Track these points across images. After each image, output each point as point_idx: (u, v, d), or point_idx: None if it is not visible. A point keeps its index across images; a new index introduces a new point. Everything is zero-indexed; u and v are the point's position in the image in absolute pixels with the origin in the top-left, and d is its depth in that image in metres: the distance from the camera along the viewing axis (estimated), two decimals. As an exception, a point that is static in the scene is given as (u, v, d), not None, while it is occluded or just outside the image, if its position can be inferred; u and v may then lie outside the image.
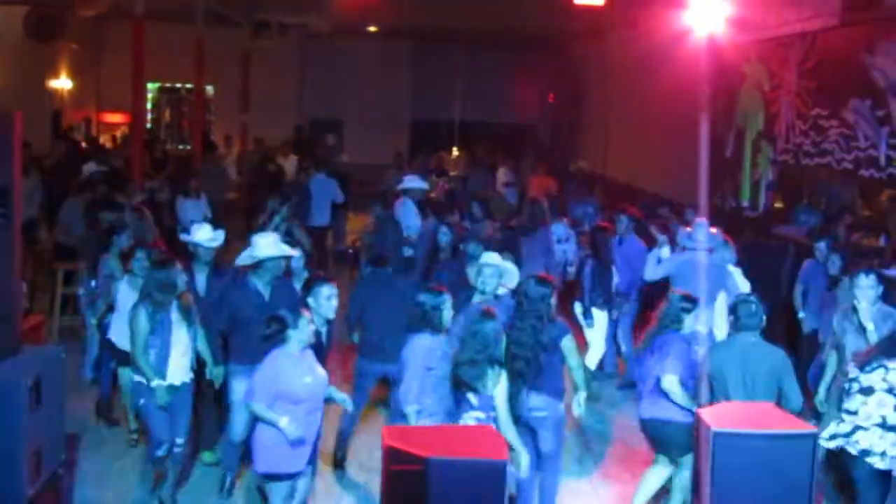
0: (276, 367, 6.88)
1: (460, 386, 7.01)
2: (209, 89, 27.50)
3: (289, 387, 6.83)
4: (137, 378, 7.81)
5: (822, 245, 10.72)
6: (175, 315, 7.84)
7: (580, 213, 16.22)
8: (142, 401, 7.83)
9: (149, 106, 28.03)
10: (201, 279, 8.96)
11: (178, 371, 7.87)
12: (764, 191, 16.07)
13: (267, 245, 8.33)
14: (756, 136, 16.30)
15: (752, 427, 5.80)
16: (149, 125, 27.47)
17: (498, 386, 6.98)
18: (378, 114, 29.19)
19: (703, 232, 10.61)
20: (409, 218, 13.74)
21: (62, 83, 25.05)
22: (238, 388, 8.01)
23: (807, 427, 5.95)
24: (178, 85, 29.09)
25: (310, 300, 7.73)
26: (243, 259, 8.40)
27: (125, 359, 8.40)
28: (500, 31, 25.60)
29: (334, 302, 7.80)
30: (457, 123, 26.89)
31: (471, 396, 6.99)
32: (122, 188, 15.07)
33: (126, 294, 8.89)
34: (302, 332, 6.95)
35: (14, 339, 6.46)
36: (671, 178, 18.03)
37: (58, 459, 6.81)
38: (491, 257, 8.62)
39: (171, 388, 7.80)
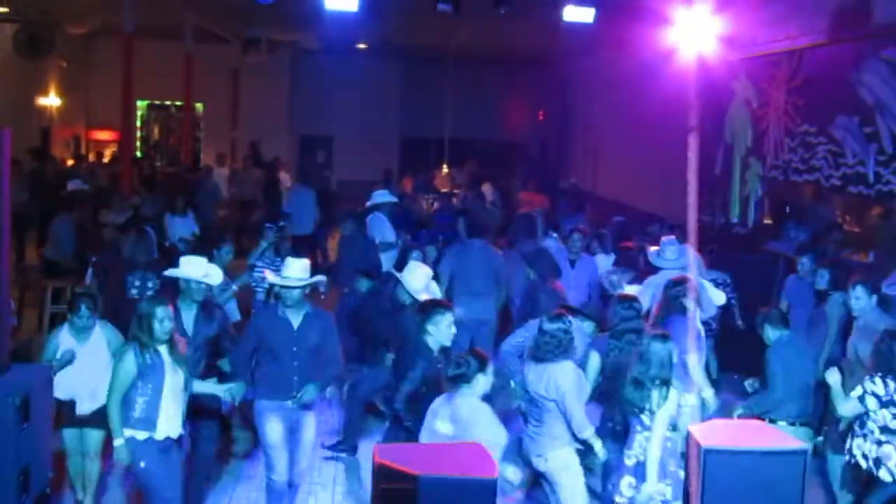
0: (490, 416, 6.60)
1: (627, 406, 7.00)
2: (198, 107, 27.51)
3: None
4: (129, 433, 6.93)
5: (805, 260, 10.73)
6: (167, 359, 7.01)
7: (570, 229, 16.21)
8: (142, 463, 6.96)
9: (138, 123, 28.03)
10: (188, 318, 8.05)
11: (170, 423, 7.03)
12: (753, 207, 16.12)
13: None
14: (745, 153, 16.35)
15: (742, 444, 5.79)
16: (138, 143, 27.50)
17: (664, 407, 6.93)
18: (368, 131, 29.23)
19: (671, 250, 10.59)
20: (383, 232, 13.62)
21: (51, 100, 25.03)
22: (272, 427, 7.59)
23: (797, 443, 5.94)
24: (168, 102, 29.08)
25: (429, 327, 7.39)
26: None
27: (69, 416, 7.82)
28: (489, 49, 25.68)
29: (454, 330, 7.51)
30: (447, 141, 26.90)
31: (644, 417, 6.97)
32: (107, 205, 15.06)
33: (66, 341, 7.86)
34: (489, 378, 6.67)
35: (2, 358, 6.42)
36: (660, 195, 18.07)
37: (45, 478, 6.76)
38: None
39: (153, 443, 6.97)
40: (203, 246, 11.45)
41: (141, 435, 6.92)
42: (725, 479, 5.65)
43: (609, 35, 19.74)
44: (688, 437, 5.93)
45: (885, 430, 7.19)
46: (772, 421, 7.80)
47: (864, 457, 7.28)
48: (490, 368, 6.70)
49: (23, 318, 13.10)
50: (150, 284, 10.24)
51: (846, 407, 7.38)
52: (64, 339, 7.84)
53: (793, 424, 7.85)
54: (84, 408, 7.85)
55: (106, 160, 25.00)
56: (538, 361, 7.22)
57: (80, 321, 7.82)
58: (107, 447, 7.60)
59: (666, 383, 6.95)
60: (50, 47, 22.28)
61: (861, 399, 7.27)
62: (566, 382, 7.07)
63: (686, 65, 15.10)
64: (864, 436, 7.28)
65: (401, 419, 7.27)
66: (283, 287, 7.69)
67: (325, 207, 17.93)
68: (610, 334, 8.16)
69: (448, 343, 7.48)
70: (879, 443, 7.20)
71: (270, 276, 8.03)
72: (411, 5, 17.08)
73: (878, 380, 7.23)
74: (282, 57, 27.94)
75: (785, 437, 6.04)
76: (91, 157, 25.56)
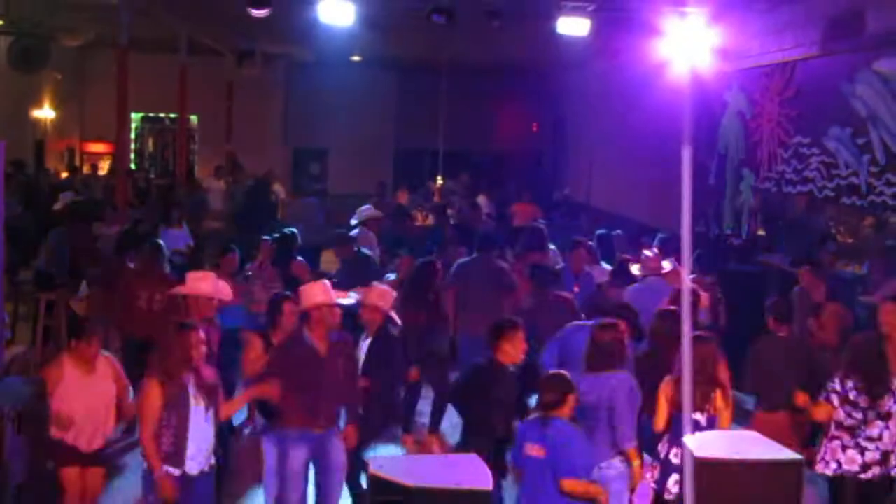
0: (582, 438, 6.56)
1: (678, 406, 6.94)
2: (193, 119, 27.51)
3: None
4: (146, 465, 6.65)
5: (802, 273, 10.77)
6: (192, 388, 6.69)
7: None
8: (150, 498, 6.69)
9: (132, 136, 28.00)
10: None
11: (199, 457, 6.72)
12: (747, 218, 16.14)
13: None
14: (738, 164, 16.38)
15: (737, 455, 5.78)
16: (132, 155, 27.47)
17: (726, 405, 7.10)
18: (362, 143, 29.20)
19: (651, 260, 10.66)
20: (370, 249, 13.35)
21: (45, 113, 25.00)
22: (297, 455, 7.42)
23: (792, 455, 5.93)
24: (162, 115, 29.06)
25: (506, 345, 7.20)
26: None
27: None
28: (484, 61, 25.71)
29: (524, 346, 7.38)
30: (441, 152, 26.90)
31: (698, 416, 7.02)
32: (102, 218, 15.05)
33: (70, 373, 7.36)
34: (576, 397, 6.57)
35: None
36: (654, 206, 18.10)
37: (39, 491, 6.75)
38: None
39: (186, 478, 6.66)
40: (196, 258, 11.48)
41: (173, 472, 6.60)
42: (720, 491, 5.65)
43: (603, 47, 19.80)
44: (682, 448, 5.93)
45: (838, 425, 7.47)
46: (766, 411, 8.31)
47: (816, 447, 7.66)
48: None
49: (16, 331, 13.10)
50: (157, 297, 10.24)
51: (820, 412, 7.59)
52: (69, 369, 7.17)
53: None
54: (94, 445, 7.29)
55: (102, 172, 25.00)
56: (592, 371, 7.19)
57: (87, 350, 7.26)
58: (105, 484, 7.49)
59: (720, 384, 7.14)
60: (44, 60, 22.26)
61: (828, 398, 7.52)
62: (621, 392, 7.08)
63: (679, 76, 15.11)
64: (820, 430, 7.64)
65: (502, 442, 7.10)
66: (329, 307, 7.44)
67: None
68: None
69: (520, 361, 7.37)
70: (831, 438, 7.51)
71: (313, 301, 7.45)
72: (406, 17, 17.10)
73: (837, 379, 7.50)
74: (276, 69, 27.94)
75: (780, 449, 6.03)
76: (86, 170, 25.56)
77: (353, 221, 14.06)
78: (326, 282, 7.69)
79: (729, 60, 15.65)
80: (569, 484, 6.29)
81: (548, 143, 30.47)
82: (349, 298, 8.55)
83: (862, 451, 7.41)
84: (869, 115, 12.45)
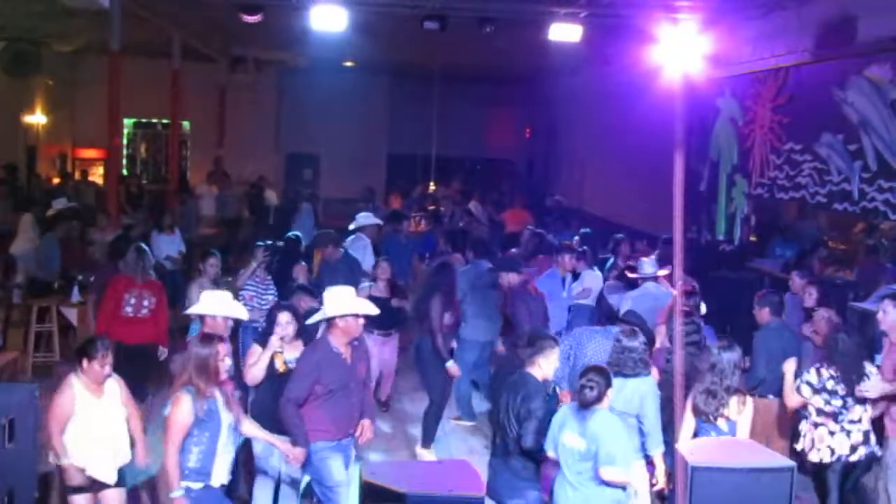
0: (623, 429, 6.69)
1: (700, 415, 7.18)
2: (185, 124, 27.50)
3: None
4: (184, 484, 6.32)
5: (796, 276, 10.79)
6: (221, 404, 6.49)
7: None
8: None
9: (124, 141, 27.99)
10: None
11: (222, 472, 6.51)
12: (739, 224, 16.17)
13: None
14: (730, 170, 16.41)
15: (729, 461, 5.79)
16: (124, 160, 27.46)
17: (745, 412, 7.20)
18: (355, 148, 29.21)
19: (647, 265, 10.69)
20: (364, 257, 13.10)
21: (37, 118, 24.98)
22: (338, 466, 7.19)
23: (784, 461, 5.94)
24: (154, 120, 29.05)
25: (541, 360, 7.20)
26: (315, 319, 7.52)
27: None
28: (476, 67, 25.74)
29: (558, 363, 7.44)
30: (433, 158, 26.93)
31: (720, 423, 7.15)
32: (94, 224, 15.02)
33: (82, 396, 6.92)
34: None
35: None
36: (647, 212, 18.11)
37: (31, 499, 6.73)
38: None
39: (208, 489, 6.45)
40: (189, 264, 11.46)
41: (196, 485, 6.34)
42: (713, 497, 5.66)
43: (595, 53, 19.84)
44: (675, 454, 5.94)
45: (820, 412, 7.75)
46: (761, 396, 8.55)
47: (802, 437, 7.88)
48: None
49: (7, 338, 13.06)
50: (145, 303, 10.21)
51: (791, 399, 7.93)
52: (79, 392, 6.77)
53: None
54: (107, 471, 6.90)
55: (94, 178, 24.96)
56: (618, 376, 7.26)
57: (99, 372, 6.86)
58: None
59: (738, 390, 7.28)
60: (36, 65, 22.26)
61: (798, 389, 7.83)
62: (650, 397, 7.29)
63: (672, 82, 15.15)
64: (805, 418, 7.88)
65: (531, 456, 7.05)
66: (355, 316, 7.23)
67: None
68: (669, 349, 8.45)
69: (551, 377, 7.41)
70: (816, 425, 7.78)
71: (339, 309, 7.22)
72: (398, 23, 17.12)
73: (812, 370, 7.84)
74: (268, 75, 27.97)
75: (772, 455, 6.04)
76: (77, 176, 25.52)
77: (351, 227, 13.96)
78: (352, 289, 7.49)
79: (721, 67, 15.68)
80: (609, 472, 6.38)
81: (540, 149, 30.50)
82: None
83: (848, 433, 7.74)
84: (861, 121, 12.48)
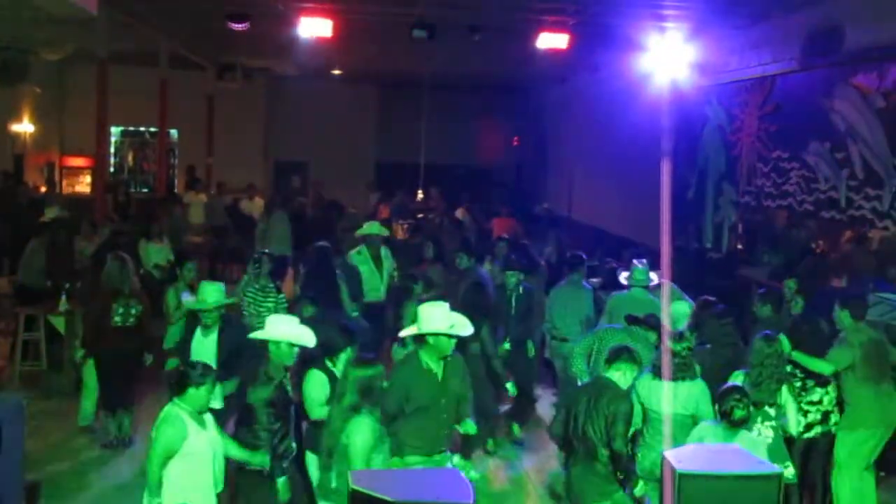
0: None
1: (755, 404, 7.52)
2: (173, 132, 27.46)
3: None
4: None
5: (790, 284, 10.82)
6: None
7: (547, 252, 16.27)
8: None
9: (112, 149, 27.93)
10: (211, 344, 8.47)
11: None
12: (727, 232, 16.20)
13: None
14: (718, 178, 16.46)
15: (717, 468, 5.79)
16: (112, 169, 27.43)
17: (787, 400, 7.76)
18: (343, 156, 29.22)
19: (640, 272, 10.72)
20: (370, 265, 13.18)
21: (25, 127, 24.90)
22: None
23: (771, 468, 5.95)
24: (142, 128, 28.99)
25: (614, 368, 7.30)
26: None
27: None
28: (465, 75, 25.78)
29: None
30: (422, 166, 26.93)
31: (769, 409, 7.61)
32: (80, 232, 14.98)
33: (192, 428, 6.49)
34: None
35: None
36: (635, 220, 18.15)
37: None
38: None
39: None
40: (175, 272, 11.41)
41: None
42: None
43: (583, 62, 19.88)
44: (662, 461, 5.94)
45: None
46: None
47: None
48: None
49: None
50: (133, 311, 10.17)
51: None
52: (189, 424, 6.32)
53: None
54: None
55: (81, 187, 24.93)
56: (671, 379, 7.52)
57: (206, 398, 6.48)
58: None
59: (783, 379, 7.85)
60: (23, 74, 22.19)
61: None
62: (704, 398, 7.50)
63: (659, 91, 15.23)
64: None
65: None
66: (447, 336, 7.01)
67: (302, 232, 17.89)
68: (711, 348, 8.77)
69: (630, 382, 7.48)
70: None
71: (431, 326, 6.99)
72: (386, 31, 17.13)
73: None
74: (256, 83, 27.95)
75: (760, 462, 6.05)
76: (65, 186, 25.51)
77: (357, 236, 13.89)
78: (446, 305, 7.22)
79: (708, 75, 15.74)
80: None
81: (528, 158, 30.54)
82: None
83: (805, 413, 8.31)
84: (847, 129, 12.54)
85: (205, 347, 8.58)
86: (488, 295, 10.48)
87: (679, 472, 5.69)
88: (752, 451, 6.56)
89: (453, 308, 7.27)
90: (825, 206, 13.13)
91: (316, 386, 7.31)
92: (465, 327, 7.10)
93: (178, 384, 6.31)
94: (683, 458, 5.92)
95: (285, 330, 7.06)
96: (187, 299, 9.52)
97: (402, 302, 10.03)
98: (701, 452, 6.50)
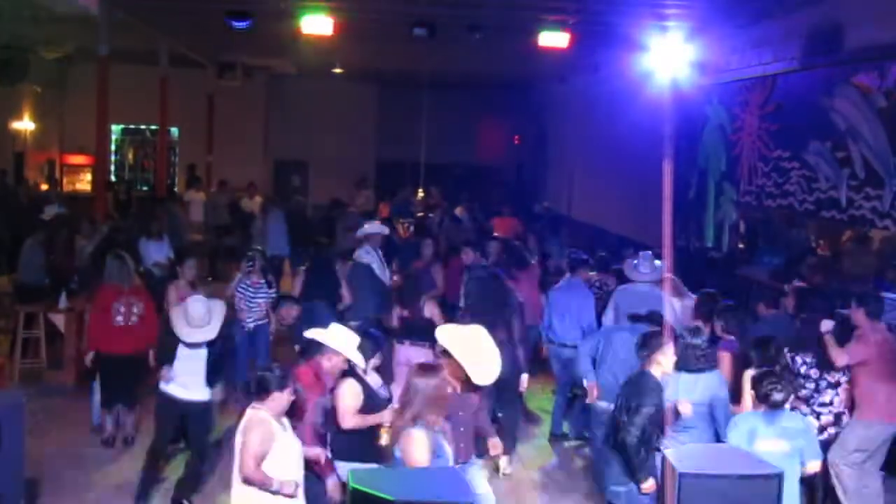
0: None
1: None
2: (173, 131, 27.47)
3: None
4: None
5: (796, 283, 10.85)
6: (445, 437, 6.40)
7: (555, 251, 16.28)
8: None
9: (112, 148, 27.94)
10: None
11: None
12: (727, 232, 16.19)
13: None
14: (719, 178, 16.44)
15: (717, 468, 5.79)
16: (113, 167, 27.43)
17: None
18: (343, 155, 29.24)
19: (646, 264, 10.71)
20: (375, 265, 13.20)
21: (25, 125, 24.91)
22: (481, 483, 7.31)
23: (772, 468, 5.95)
24: (143, 126, 29.00)
25: (660, 357, 7.41)
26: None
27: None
28: (465, 74, 25.77)
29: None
30: (422, 165, 26.96)
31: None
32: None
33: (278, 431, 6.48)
34: None
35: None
36: (635, 220, 18.15)
37: (17, 505, 6.71)
38: None
39: None
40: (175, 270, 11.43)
41: None
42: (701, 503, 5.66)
43: (584, 61, 19.88)
44: (663, 462, 5.94)
45: (795, 397, 8.12)
46: None
47: None
48: None
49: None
50: (134, 310, 10.16)
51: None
52: (275, 427, 6.29)
53: None
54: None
55: (81, 185, 24.94)
56: (690, 372, 7.58)
57: (287, 400, 6.44)
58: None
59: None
60: (24, 72, 22.20)
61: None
62: (721, 390, 7.63)
63: (660, 90, 15.22)
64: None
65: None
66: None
67: (300, 231, 17.89)
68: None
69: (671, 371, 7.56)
70: (792, 409, 7.93)
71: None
72: (387, 30, 17.13)
73: (787, 357, 8.38)
74: (257, 81, 27.95)
75: (760, 462, 6.05)
76: (66, 184, 25.51)
77: (357, 236, 13.91)
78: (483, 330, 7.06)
79: (709, 75, 15.73)
80: (816, 465, 6.86)
81: (529, 156, 30.54)
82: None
83: (818, 416, 8.44)
84: (848, 129, 12.52)
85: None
86: (507, 290, 10.42)
87: (680, 471, 5.69)
88: (802, 430, 6.84)
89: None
90: (826, 206, 13.12)
91: (351, 395, 7.26)
92: (493, 366, 6.95)
93: (261, 388, 6.27)
94: (684, 458, 5.92)
95: (344, 343, 7.10)
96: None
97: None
98: (701, 452, 6.50)
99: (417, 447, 5.99)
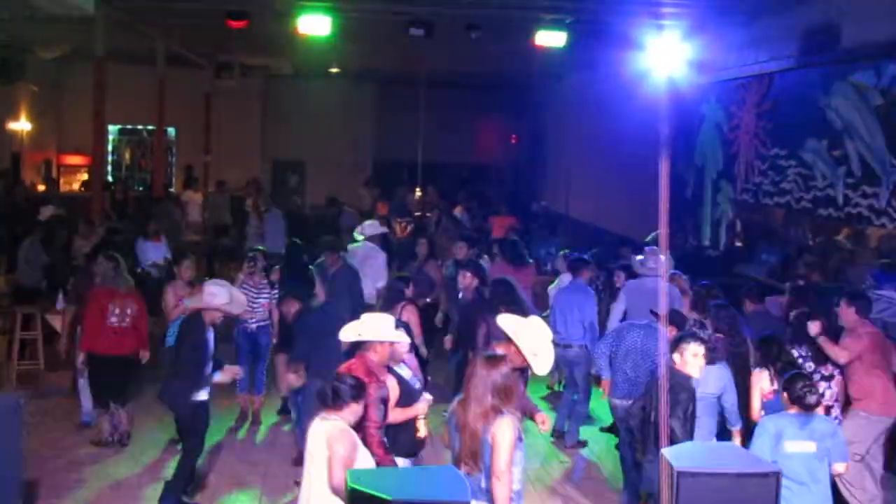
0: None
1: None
2: (170, 131, 27.44)
3: None
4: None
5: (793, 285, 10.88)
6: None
7: (543, 253, 16.28)
8: None
9: (109, 148, 27.92)
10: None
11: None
12: (724, 230, 16.20)
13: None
14: (716, 176, 16.45)
15: (715, 466, 5.79)
16: (109, 167, 27.40)
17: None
18: (341, 155, 29.23)
19: (653, 259, 10.74)
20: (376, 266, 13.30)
21: (22, 125, 24.88)
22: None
23: (770, 466, 5.95)
24: (140, 127, 28.97)
25: (675, 356, 7.48)
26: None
27: None
28: (462, 73, 25.78)
29: (702, 362, 7.53)
30: (420, 164, 26.93)
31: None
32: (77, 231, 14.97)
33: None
34: None
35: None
36: (633, 218, 18.14)
37: (15, 507, 6.70)
38: None
39: None
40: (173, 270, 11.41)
41: None
42: (699, 502, 5.66)
43: (581, 59, 19.88)
44: (660, 460, 5.94)
45: None
46: None
47: None
48: None
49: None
50: (128, 312, 10.15)
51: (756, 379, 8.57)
52: (357, 439, 6.29)
53: None
54: None
55: (78, 185, 24.93)
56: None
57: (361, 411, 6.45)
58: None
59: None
60: (21, 72, 22.19)
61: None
62: (730, 381, 8.02)
63: (657, 88, 15.22)
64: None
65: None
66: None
67: (298, 231, 17.88)
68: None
69: (697, 375, 7.54)
70: None
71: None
72: (384, 29, 17.12)
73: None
74: (254, 81, 27.94)
75: (758, 460, 6.05)
76: (63, 184, 25.49)
77: (358, 237, 13.87)
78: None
79: (706, 73, 15.73)
80: (843, 467, 6.96)
81: (526, 155, 30.54)
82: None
83: None
84: (845, 127, 12.53)
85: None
86: (516, 293, 10.42)
87: (678, 469, 5.69)
88: (831, 432, 6.85)
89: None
90: (822, 204, 13.13)
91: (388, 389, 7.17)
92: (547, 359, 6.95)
93: (337, 399, 6.23)
94: (682, 455, 5.92)
95: (384, 329, 7.00)
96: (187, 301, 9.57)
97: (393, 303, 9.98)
98: (699, 450, 6.51)
99: (510, 434, 6.03)
